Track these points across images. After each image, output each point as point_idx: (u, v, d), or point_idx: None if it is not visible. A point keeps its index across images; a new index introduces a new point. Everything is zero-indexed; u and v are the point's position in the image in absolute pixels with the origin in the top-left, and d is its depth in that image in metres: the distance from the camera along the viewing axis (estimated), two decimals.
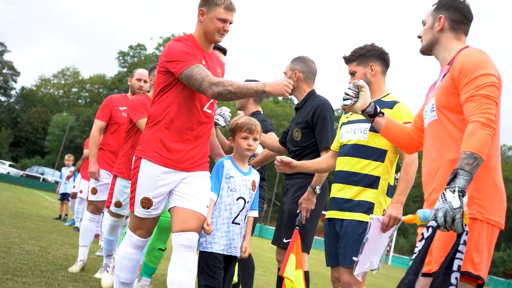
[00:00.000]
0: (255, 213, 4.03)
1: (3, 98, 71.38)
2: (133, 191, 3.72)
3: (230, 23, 3.72)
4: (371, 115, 3.33)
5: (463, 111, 2.71)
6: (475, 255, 2.64)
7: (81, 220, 10.34)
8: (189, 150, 3.70)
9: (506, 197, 2.79)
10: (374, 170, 3.79)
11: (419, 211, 2.67)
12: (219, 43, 3.95)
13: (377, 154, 3.79)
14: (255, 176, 4.04)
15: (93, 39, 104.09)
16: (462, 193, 2.45)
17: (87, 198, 6.36)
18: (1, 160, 47.95)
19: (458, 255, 2.52)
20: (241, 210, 3.85)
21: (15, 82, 70.92)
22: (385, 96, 3.95)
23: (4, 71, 68.74)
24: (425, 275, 2.81)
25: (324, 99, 4.66)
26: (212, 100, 3.74)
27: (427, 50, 3.08)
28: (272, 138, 5.01)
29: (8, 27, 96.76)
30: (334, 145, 4.14)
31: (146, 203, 3.65)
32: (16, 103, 72.36)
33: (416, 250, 2.65)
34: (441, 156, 2.79)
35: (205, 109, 3.74)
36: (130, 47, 69.87)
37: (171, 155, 3.65)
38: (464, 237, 2.51)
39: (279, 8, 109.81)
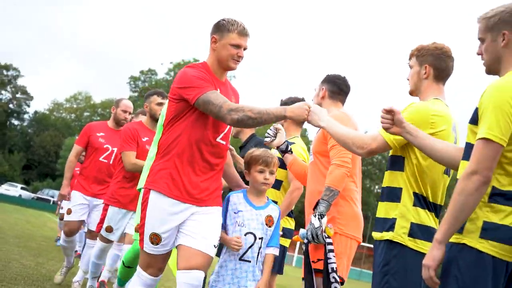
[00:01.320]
0: (273, 250, 3.67)
1: (16, 122, 73.58)
2: (142, 226, 3.57)
3: (244, 48, 3.61)
4: (282, 151, 4.31)
5: (329, 156, 3.70)
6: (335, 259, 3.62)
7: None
8: (201, 182, 3.52)
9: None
10: (274, 196, 4.73)
11: (300, 231, 3.68)
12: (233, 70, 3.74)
13: (275, 184, 4.62)
14: (272, 211, 3.71)
15: (105, 64, 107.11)
16: (321, 216, 3.45)
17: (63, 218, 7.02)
18: (13, 183, 49.20)
19: (329, 260, 3.52)
20: (250, 246, 3.59)
21: (28, 106, 72.93)
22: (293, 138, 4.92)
23: (17, 95, 70.73)
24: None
25: (262, 139, 5.63)
26: (226, 131, 3.61)
27: None
28: None
29: (21, 52, 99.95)
30: None
31: (155, 238, 3.49)
32: (29, 127, 74.30)
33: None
34: (316, 188, 3.75)
35: (218, 139, 3.58)
36: (141, 72, 71.26)
37: (182, 187, 3.48)
38: (328, 247, 3.49)
39: (290, 30, 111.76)
